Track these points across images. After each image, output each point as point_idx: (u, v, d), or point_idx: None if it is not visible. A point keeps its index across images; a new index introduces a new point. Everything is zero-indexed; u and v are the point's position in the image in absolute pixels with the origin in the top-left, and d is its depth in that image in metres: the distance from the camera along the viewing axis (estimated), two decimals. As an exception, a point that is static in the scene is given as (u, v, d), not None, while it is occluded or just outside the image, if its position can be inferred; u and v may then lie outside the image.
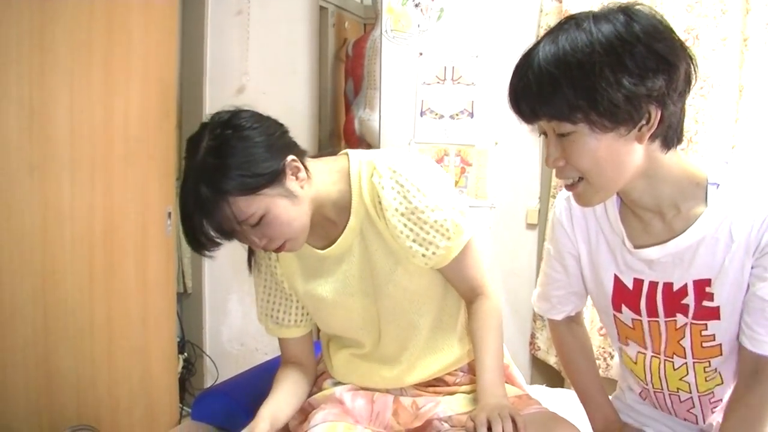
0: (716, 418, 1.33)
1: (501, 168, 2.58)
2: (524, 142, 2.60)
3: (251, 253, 1.52)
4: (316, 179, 1.37)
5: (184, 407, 2.81)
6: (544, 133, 1.12)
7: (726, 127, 2.23)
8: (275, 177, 1.27)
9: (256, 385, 1.77)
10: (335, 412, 1.48)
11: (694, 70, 1.07)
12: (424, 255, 1.38)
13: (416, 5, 2.58)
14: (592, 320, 2.46)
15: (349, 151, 1.45)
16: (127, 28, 2.26)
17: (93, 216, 2.17)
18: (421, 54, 2.60)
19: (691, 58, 1.06)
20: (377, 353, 1.52)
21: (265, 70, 2.90)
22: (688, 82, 1.07)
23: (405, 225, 1.35)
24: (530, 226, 2.61)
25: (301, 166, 1.33)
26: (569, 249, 1.34)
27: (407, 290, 1.44)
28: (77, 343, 2.13)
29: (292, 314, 1.53)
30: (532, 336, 2.61)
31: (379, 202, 1.36)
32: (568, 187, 1.15)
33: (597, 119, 1.02)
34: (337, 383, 1.57)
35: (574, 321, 1.49)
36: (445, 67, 2.57)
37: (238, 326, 3.06)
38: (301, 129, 2.85)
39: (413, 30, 2.58)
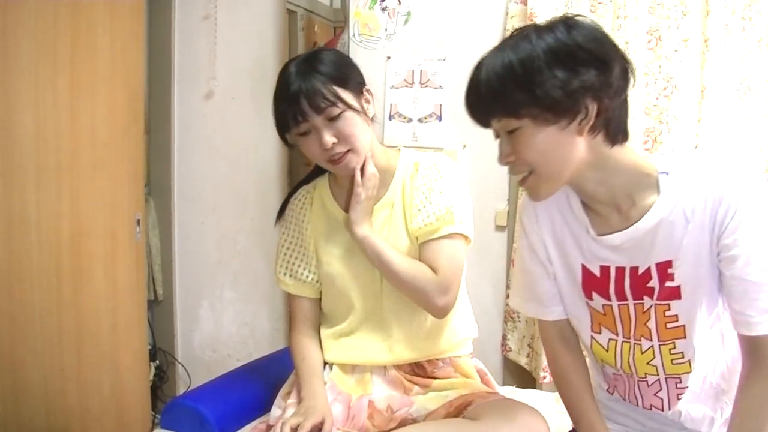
0: (683, 406, 1.36)
1: (469, 170, 2.59)
2: (492, 145, 2.58)
3: (282, 209, 1.75)
4: (374, 142, 1.61)
5: (157, 415, 2.79)
6: (498, 136, 1.24)
7: (689, 127, 2.26)
8: (357, 86, 1.55)
9: (226, 392, 1.77)
10: None
11: (631, 72, 1.18)
12: (415, 225, 1.57)
13: (383, 9, 2.59)
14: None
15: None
16: (92, 32, 2.24)
17: (60, 223, 2.15)
18: (388, 58, 2.61)
19: (627, 61, 1.18)
20: (372, 322, 1.63)
21: (234, 75, 2.89)
22: (625, 81, 1.17)
23: (419, 197, 1.58)
24: (499, 228, 2.62)
25: (371, 104, 1.60)
26: (538, 243, 1.39)
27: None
28: (45, 353, 2.11)
29: (311, 272, 1.68)
30: (503, 337, 2.62)
31: (414, 179, 1.60)
32: (521, 183, 1.25)
33: (538, 113, 1.14)
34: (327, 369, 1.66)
35: (566, 327, 1.45)
36: (413, 71, 2.59)
37: (210, 333, 3.04)
38: (271, 133, 2.79)
39: (381, 34, 2.59)
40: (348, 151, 1.51)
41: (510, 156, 1.21)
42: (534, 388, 2.42)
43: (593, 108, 1.14)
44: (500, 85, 1.14)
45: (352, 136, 1.50)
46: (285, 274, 1.70)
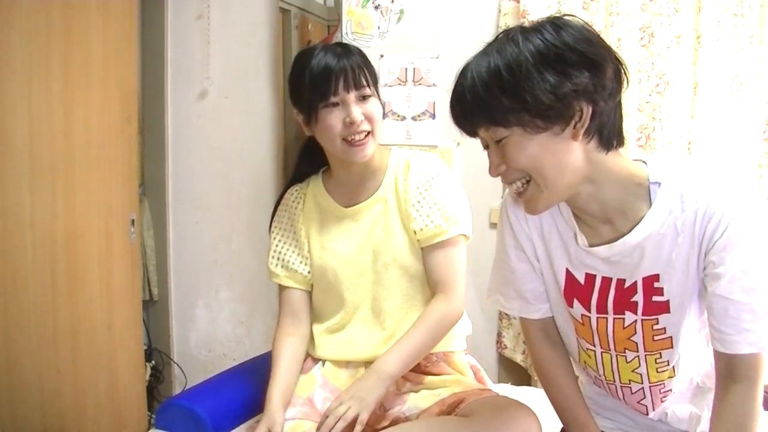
0: (667, 407, 1.36)
1: (464, 168, 2.59)
2: (486, 142, 2.62)
3: (277, 204, 1.79)
4: None
5: (153, 415, 2.79)
6: (487, 146, 1.18)
7: (682, 124, 2.27)
8: (376, 81, 1.64)
9: (221, 391, 1.77)
10: (304, 411, 1.55)
11: (625, 74, 1.14)
12: (419, 226, 1.59)
13: (376, 7, 2.59)
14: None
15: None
16: (85, 33, 2.24)
17: (54, 223, 2.15)
18: (382, 56, 2.61)
19: (620, 63, 1.13)
20: (364, 315, 1.65)
21: (228, 75, 2.88)
22: (618, 83, 1.13)
23: (417, 197, 1.61)
24: (494, 225, 2.62)
25: None
26: (526, 240, 1.35)
27: (408, 261, 1.62)
28: (41, 354, 2.11)
29: (304, 263, 1.70)
30: (499, 335, 2.63)
31: (407, 176, 1.63)
32: (518, 195, 1.20)
33: (529, 119, 1.08)
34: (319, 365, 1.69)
35: (550, 325, 1.43)
36: (406, 69, 2.59)
37: (206, 332, 3.04)
38: (265, 133, 2.84)
39: (374, 32, 2.59)
40: (369, 133, 1.57)
41: (501, 166, 1.16)
42: (529, 385, 2.43)
43: (588, 111, 1.09)
44: (486, 92, 1.09)
45: (376, 121, 1.58)
46: (277, 266, 1.72)
